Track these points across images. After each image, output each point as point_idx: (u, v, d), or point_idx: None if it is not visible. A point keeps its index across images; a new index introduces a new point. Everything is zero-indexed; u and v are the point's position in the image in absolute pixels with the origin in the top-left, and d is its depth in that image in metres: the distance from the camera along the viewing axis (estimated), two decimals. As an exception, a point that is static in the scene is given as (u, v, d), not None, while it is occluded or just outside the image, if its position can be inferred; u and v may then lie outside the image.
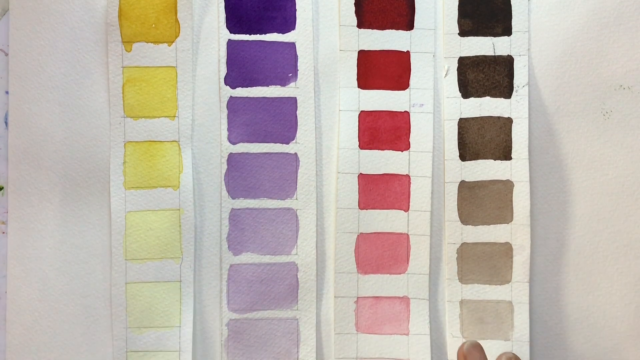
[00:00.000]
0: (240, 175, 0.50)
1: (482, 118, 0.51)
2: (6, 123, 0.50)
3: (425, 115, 0.51)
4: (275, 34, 0.51)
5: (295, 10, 0.51)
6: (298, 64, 0.51)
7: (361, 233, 0.50)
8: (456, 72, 0.51)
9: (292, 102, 0.51)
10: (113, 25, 0.50)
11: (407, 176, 0.51)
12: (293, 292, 0.50)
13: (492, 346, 0.50)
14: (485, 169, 0.51)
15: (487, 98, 0.51)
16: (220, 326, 0.50)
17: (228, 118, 0.50)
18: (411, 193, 0.51)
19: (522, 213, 0.50)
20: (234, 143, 0.50)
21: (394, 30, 0.51)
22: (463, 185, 0.51)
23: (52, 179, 0.50)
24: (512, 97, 0.51)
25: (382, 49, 0.51)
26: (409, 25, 0.51)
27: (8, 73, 0.50)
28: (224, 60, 0.51)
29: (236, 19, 0.51)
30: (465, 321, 0.50)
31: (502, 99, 0.51)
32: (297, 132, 0.51)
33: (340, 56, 0.51)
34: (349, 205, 0.50)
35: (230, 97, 0.51)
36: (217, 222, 0.50)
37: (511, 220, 0.50)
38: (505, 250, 0.50)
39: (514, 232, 0.50)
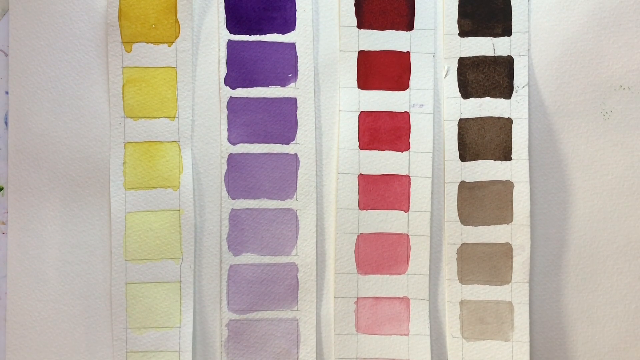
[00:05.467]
0: (240, 176, 0.50)
1: (482, 118, 0.51)
2: (6, 123, 0.50)
3: (425, 116, 0.51)
4: (275, 34, 0.51)
5: (295, 10, 0.51)
6: (298, 65, 0.51)
7: (361, 233, 0.50)
8: (456, 72, 0.51)
9: (292, 102, 0.51)
10: (113, 26, 0.50)
11: (407, 176, 0.51)
12: (293, 292, 0.50)
13: (492, 346, 0.50)
14: (485, 170, 0.51)
15: (487, 98, 0.51)
16: (220, 327, 0.50)
17: (228, 118, 0.50)
18: (411, 193, 0.51)
19: (522, 213, 0.50)
20: (234, 143, 0.50)
21: (394, 31, 0.51)
22: (463, 186, 0.51)
23: (52, 179, 0.50)
24: (512, 97, 0.51)
25: (382, 49, 0.51)
26: (409, 25, 0.51)
27: (8, 73, 0.50)
28: (224, 60, 0.51)
29: (236, 20, 0.51)
30: (465, 322, 0.50)
31: (502, 100, 0.51)
32: (297, 132, 0.51)
33: (340, 56, 0.51)
34: (349, 206, 0.50)
35: (230, 97, 0.51)
36: (217, 223, 0.50)
37: (511, 221, 0.50)
38: (505, 251, 0.50)
39: (514, 233, 0.50)
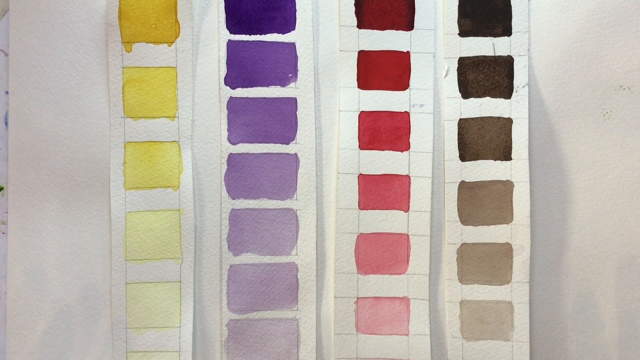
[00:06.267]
0: (240, 176, 0.50)
1: (482, 118, 0.51)
2: (6, 123, 0.50)
3: (425, 116, 0.51)
4: (275, 34, 0.51)
5: (295, 10, 0.51)
6: (298, 64, 0.51)
7: (361, 233, 0.50)
8: (456, 72, 0.51)
9: (292, 102, 0.51)
10: (113, 26, 0.50)
11: (407, 176, 0.51)
12: (293, 292, 0.50)
13: (492, 346, 0.50)
14: (485, 170, 0.51)
15: (487, 98, 0.51)
16: (220, 326, 0.50)
17: (228, 118, 0.50)
18: (411, 193, 0.51)
19: (522, 213, 0.50)
20: (234, 143, 0.50)
21: (394, 31, 0.51)
22: (463, 186, 0.51)
23: (52, 179, 0.50)
24: (512, 97, 0.51)
25: (382, 49, 0.51)
26: (409, 25, 0.51)
27: (8, 73, 0.50)
28: (224, 60, 0.51)
29: (236, 19, 0.51)
30: (465, 321, 0.50)
31: (502, 99, 0.51)
32: (297, 132, 0.51)
33: (340, 56, 0.51)
34: (349, 206, 0.50)
35: (230, 97, 0.51)
36: (217, 223, 0.50)
37: (511, 221, 0.50)
38: (505, 251, 0.50)
39: (514, 233, 0.50)
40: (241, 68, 0.51)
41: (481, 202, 0.51)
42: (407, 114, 0.51)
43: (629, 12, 0.52)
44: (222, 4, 0.51)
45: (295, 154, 0.51)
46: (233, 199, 0.50)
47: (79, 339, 0.50)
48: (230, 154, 0.50)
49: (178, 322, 0.49)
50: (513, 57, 0.51)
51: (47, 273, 0.50)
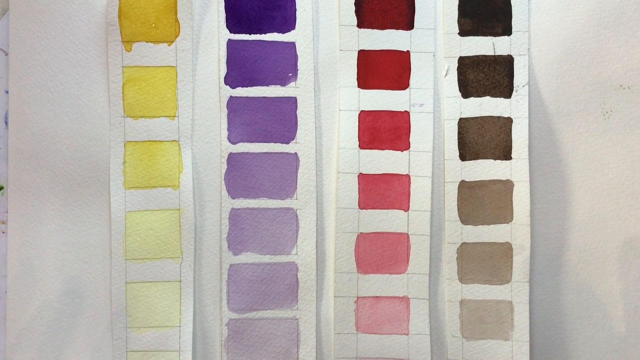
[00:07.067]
0: (240, 175, 0.50)
1: (482, 118, 0.51)
2: (6, 123, 0.50)
3: (425, 115, 0.51)
4: (275, 33, 0.51)
5: (295, 10, 0.51)
6: (298, 64, 0.51)
7: (361, 233, 0.50)
8: (456, 71, 0.51)
9: (292, 102, 0.51)
10: (113, 25, 0.50)
11: (407, 176, 0.51)
12: (293, 292, 0.50)
13: (492, 346, 0.50)
14: (485, 169, 0.51)
15: (487, 98, 0.51)
16: (220, 326, 0.50)
17: (228, 118, 0.51)
18: (411, 193, 0.51)
19: (522, 213, 0.50)
20: (234, 143, 0.50)
21: (394, 30, 0.51)
22: (463, 185, 0.51)
23: (52, 179, 0.50)
24: (512, 97, 0.51)
25: (382, 48, 0.51)
26: (409, 25, 0.51)
27: (8, 73, 0.50)
28: (224, 60, 0.51)
29: (236, 19, 0.51)
30: (465, 321, 0.50)
31: (502, 99, 0.51)
32: (297, 132, 0.51)
33: (340, 56, 0.51)
34: (349, 205, 0.50)
35: (230, 96, 0.51)
36: (217, 222, 0.50)
37: (511, 220, 0.50)
38: (505, 250, 0.50)
39: (514, 232, 0.50)
40: (241, 67, 0.51)
41: (481, 202, 0.51)
42: (407, 113, 0.51)
43: (629, 12, 0.52)
44: (222, 4, 0.51)
45: (295, 153, 0.51)
46: (233, 198, 0.50)
47: (78, 339, 0.50)
48: (230, 153, 0.50)
49: (178, 321, 0.49)
50: (513, 56, 0.51)
51: (47, 273, 0.50)
